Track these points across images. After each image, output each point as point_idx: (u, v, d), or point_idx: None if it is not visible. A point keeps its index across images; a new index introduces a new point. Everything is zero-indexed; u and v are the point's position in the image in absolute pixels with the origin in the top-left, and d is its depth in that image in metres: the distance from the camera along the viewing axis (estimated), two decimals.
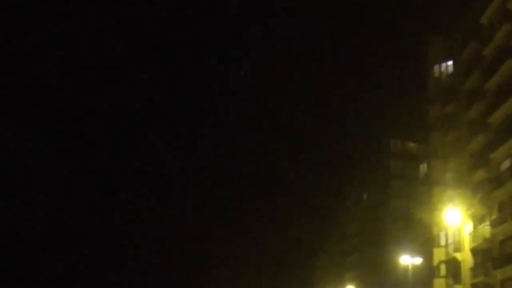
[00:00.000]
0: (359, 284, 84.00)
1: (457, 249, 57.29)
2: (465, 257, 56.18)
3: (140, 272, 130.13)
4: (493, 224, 50.45)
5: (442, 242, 60.86)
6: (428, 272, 61.64)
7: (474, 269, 54.28)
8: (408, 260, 54.60)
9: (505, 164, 50.45)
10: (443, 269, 60.44)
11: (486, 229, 52.45)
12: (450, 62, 63.42)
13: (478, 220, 54.61)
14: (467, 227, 56.00)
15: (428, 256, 61.57)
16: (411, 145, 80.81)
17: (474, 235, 54.75)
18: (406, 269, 58.17)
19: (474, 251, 54.79)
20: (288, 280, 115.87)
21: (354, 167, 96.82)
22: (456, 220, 53.85)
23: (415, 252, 56.59)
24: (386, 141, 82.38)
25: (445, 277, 59.81)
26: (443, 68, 64.22)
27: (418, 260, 55.00)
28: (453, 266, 58.40)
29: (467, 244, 56.01)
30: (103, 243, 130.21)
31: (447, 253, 59.93)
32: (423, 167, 77.29)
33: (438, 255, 60.91)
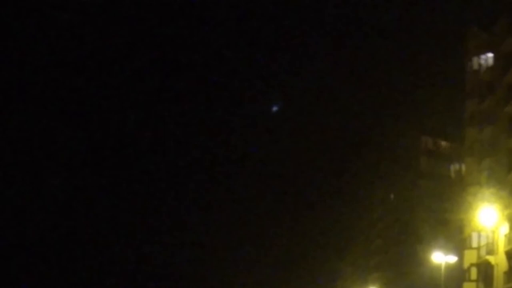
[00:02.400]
0: (383, 286, 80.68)
1: (490, 251, 53.90)
2: (499, 261, 52.75)
3: (144, 272, 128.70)
4: None
5: (474, 244, 57.44)
6: (457, 276, 58.20)
7: (509, 274, 50.86)
8: (441, 258, 51.14)
9: None
10: (474, 272, 57.09)
11: None
12: (490, 55, 59.90)
13: None
14: (502, 229, 52.55)
15: (458, 259, 58.14)
16: (443, 143, 77.13)
17: (510, 237, 51.30)
18: (436, 269, 55.02)
19: (509, 254, 51.34)
20: (311, 281, 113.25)
21: (381, 165, 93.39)
22: (491, 221, 50.26)
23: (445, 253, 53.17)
24: (416, 138, 78.74)
25: (476, 281, 56.49)
26: (482, 61, 60.68)
27: (452, 259, 51.55)
28: (485, 269, 55.06)
29: (501, 246, 52.56)
30: (105, 241, 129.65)
31: (479, 256, 56.58)
32: (454, 167, 74.07)
33: (469, 257, 57.50)
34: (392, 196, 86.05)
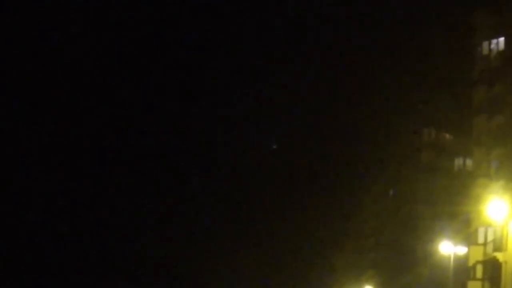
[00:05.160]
0: (378, 284, 77.24)
1: (498, 248, 50.18)
2: (508, 258, 49.02)
3: (138, 273, 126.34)
4: None
5: (480, 240, 53.80)
6: (462, 274, 54.54)
7: None
8: (449, 249, 47.45)
9: None
10: (479, 270, 53.43)
11: None
12: (502, 39, 56.40)
13: None
14: None
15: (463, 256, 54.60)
16: (447, 135, 73.48)
17: None
18: (437, 267, 51.57)
19: None
20: (304, 280, 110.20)
21: (380, 160, 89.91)
22: (500, 214, 46.24)
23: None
24: (418, 130, 75.05)
25: (482, 280, 52.88)
26: (493, 45, 57.07)
27: (462, 250, 47.84)
28: (492, 267, 51.41)
29: (511, 242, 48.84)
30: (102, 243, 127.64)
31: (485, 253, 52.92)
32: (458, 161, 70.60)
33: (475, 254, 53.85)
34: (391, 191, 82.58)
